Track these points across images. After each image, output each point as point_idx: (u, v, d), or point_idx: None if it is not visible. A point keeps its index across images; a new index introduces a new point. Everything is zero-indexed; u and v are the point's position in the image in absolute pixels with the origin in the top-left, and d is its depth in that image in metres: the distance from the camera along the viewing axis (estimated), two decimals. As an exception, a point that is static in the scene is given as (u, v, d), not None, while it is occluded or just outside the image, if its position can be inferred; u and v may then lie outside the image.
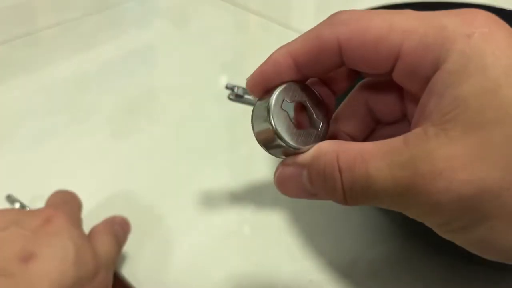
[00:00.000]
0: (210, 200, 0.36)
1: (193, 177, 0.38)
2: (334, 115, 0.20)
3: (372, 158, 0.15)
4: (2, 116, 0.44)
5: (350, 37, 0.16)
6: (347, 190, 0.16)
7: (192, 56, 0.55)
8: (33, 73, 0.51)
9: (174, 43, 0.59)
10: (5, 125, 0.43)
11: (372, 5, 0.41)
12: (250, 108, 0.29)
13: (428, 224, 0.16)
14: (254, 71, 0.18)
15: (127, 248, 0.32)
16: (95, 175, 0.38)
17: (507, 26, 0.15)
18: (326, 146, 0.17)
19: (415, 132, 0.15)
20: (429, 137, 0.14)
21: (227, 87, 0.28)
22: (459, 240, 0.15)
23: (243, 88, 0.29)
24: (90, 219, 0.30)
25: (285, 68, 0.18)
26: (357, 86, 0.21)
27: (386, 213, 0.31)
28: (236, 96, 0.28)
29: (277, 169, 0.18)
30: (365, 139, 0.20)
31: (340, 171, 0.16)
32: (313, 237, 0.33)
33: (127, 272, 0.31)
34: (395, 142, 0.15)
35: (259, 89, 0.18)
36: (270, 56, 0.18)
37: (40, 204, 0.29)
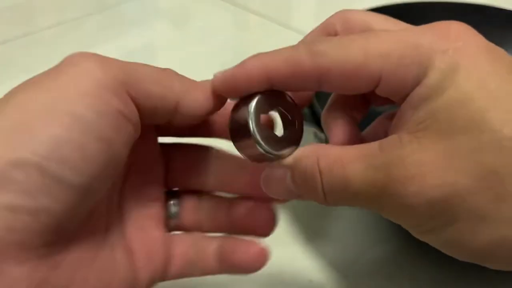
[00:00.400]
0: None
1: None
2: (360, 136, 0.21)
3: (350, 161, 0.16)
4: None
5: (330, 68, 0.17)
6: (327, 191, 0.17)
7: (192, 56, 0.55)
8: (33, 73, 0.50)
9: (174, 43, 0.59)
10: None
11: (372, 5, 0.40)
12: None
13: (402, 225, 0.17)
14: (225, 73, 0.19)
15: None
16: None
17: (480, 38, 0.16)
18: (307, 150, 0.18)
19: (391, 138, 0.16)
20: (403, 144, 0.15)
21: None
22: (430, 240, 0.16)
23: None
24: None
25: (257, 81, 0.18)
26: (382, 114, 0.22)
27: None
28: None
29: (263, 172, 0.20)
30: None
31: (320, 173, 0.17)
32: (313, 237, 0.33)
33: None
34: (372, 146, 0.16)
35: (226, 90, 0.19)
36: (244, 64, 0.18)
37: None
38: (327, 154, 0.17)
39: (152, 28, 0.63)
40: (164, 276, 0.23)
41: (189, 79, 0.20)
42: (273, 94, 0.19)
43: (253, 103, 0.19)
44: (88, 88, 0.17)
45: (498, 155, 0.14)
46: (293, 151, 0.20)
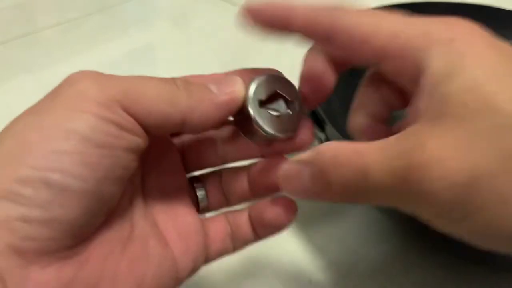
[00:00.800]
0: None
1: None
2: (353, 106, 0.22)
3: (370, 152, 0.16)
4: (1, 116, 0.44)
5: (342, 27, 0.18)
6: (345, 185, 0.16)
7: (192, 56, 0.55)
8: (33, 73, 0.51)
9: (174, 42, 0.59)
10: (5, 125, 0.43)
11: (372, 5, 0.40)
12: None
13: (425, 216, 0.16)
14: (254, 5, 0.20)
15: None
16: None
17: (485, 33, 0.16)
18: (326, 145, 0.17)
19: (409, 129, 0.16)
20: (422, 131, 0.15)
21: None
22: (458, 230, 0.16)
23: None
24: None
25: (279, 17, 0.20)
26: (365, 80, 0.22)
27: (387, 213, 0.31)
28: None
29: (280, 168, 0.20)
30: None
31: (339, 165, 0.16)
32: (313, 236, 0.33)
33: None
34: (391, 138, 0.16)
35: (252, 17, 0.20)
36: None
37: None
38: (345, 148, 0.17)
39: (152, 28, 0.63)
40: (206, 258, 0.23)
41: (198, 88, 0.20)
42: (271, 79, 0.20)
43: (252, 88, 0.20)
44: (83, 106, 0.17)
45: None
46: (294, 132, 0.21)
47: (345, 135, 0.28)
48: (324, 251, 0.32)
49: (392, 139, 0.16)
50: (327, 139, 0.30)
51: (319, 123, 0.30)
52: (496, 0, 0.44)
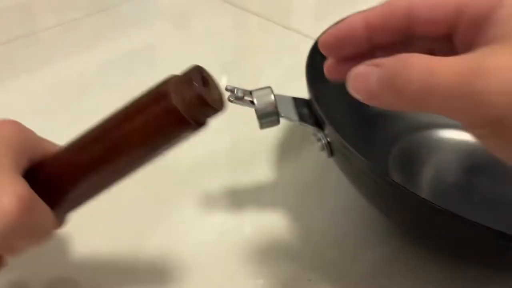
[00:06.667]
0: (210, 200, 0.36)
1: (193, 177, 0.38)
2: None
3: (438, 58, 0.17)
4: (2, 116, 0.44)
5: (422, 3, 0.20)
6: (410, 86, 0.17)
7: (192, 56, 0.55)
8: (33, 73, 0.51)
9: (175, 43, 0.59)
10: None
11: (370, 6, 0.40)
12: (250, 110, 0.29)
13: (478, 124, 0.17)
14: (328, 31, 0.21)
15: (127, 248, 0.32)
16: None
17: None
18: (397, 56, 0.18)
19: (481, 48, 0.18)
20: (494, 48, 0.17)
21: (227, 89, 0.28)
22: (504, 142, 0.17)
23: (243, 90, 0.29)
24: (90, 217, 0.30)
25: (358, 28, 0.21)
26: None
27: (386, 213, 0.32)
28: (236, 98, 0.29)
29: (353, 69, 0.20)
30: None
31: (408, 66, 0.18)
32: (312, 236, 0.34)
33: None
34: (460, 55, 0.18)
35: (329, 47, 0.22)
36: (346, 19, 0.21)
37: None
38: (415, 56, 0.18)
39: (152, 29, 0.63)
40: None
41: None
42: None
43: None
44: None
45: None
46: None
47: (345, 136, 0.28)
48: (324, 250, 0.33)
49: (458, 56, 0.17)
50: (327, 139, 0.30)
51: (318, 123, 0.30)
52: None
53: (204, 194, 0.37)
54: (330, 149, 0.30)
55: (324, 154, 0.29)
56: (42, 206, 0.23)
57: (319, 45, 0.22)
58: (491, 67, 0.16)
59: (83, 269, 0.31)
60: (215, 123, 0.29)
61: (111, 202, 0.36)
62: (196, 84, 0.22)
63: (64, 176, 0.24)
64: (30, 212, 0.22)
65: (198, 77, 0.23)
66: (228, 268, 0.31)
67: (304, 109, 0.31)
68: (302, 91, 0.32)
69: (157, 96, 0.23)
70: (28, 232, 0.23)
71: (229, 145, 0.43)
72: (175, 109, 0.22)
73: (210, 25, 0.63)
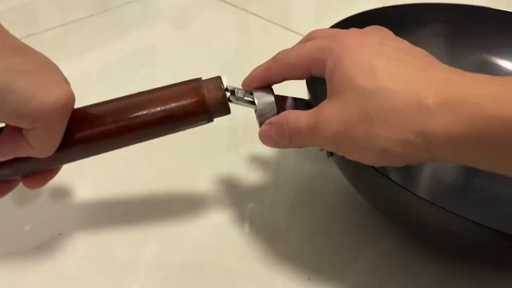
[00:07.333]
0: (210, 200, 0.36)
1: (193, 177, 0.39)
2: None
3: (302, 115, 0.26)
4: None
5: (283, 68, 0.29)
6: (291, 134, 0.27)
7: (193, 57, 0.56)
8: (35, 74, 0.51)
9: (175, 44, 0.59)
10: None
11: (369, 7, 0.41)
12: (249, 110, 0.29)
13: (327, 148, 0.27)
14: (248, 78, 0.30)
15: (127, 248, 0.32)
16: (95, 174, 0.38)
17: (359, 37, 0.26)
18: (283, 114, 0.28)
19: (321, 103, 0.26)
20: (324, 104, 0.26)
21: (227, 89, 0.29)
22: (342, 153, 0.26)
23: (243, 90, 0.29)
24: (90, 216, 0.30)
25: (258, 80, 0.30)
26: None
27: (385, 212, 0.32)
28: (236, 98, 0.29)
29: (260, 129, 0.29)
30: None
31: (287, 123, 0.27)
32: (312, 236, 0.34)
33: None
34: (313, 109, 0.26)
35: (255, 83, 0.30)
36: (251, 72, 0.30)
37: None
38: (292, 114, 0.27)
39: (153, 30, 0.63)
40: None
41: None
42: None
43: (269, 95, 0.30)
44: None
45: (367, 102, 0.23)
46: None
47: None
48: (323, 249, 0.33)
49: (315, 108, 0.26)
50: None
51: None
52: (494, 2, 0.44)
53: (204, 193, 0.37)
54: (330, 149, 0.30)
55: (324, 154, 0.30)
56: (64, 124, 0.27)
57: (245, 83, 0.30)
58: (324, 119, 0.25)
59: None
60: (215, 122, 0.30)
61: (110, 199, 0.36)
62: (223, 87, 0.29)
63: (93, 124, 0.28)
64: (64, 116, 0.26)
65: (221, 83, 0.29)
66: (229, 267, 0.31)
67: (304, 109, 0.31)
68: (302, 91, 0.33)
69: (191, 88, 0.28)
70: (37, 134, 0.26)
71: (230, 144, 0.43)
72: (203, 100, 0.28)
73: (211, 25, 0.64)
